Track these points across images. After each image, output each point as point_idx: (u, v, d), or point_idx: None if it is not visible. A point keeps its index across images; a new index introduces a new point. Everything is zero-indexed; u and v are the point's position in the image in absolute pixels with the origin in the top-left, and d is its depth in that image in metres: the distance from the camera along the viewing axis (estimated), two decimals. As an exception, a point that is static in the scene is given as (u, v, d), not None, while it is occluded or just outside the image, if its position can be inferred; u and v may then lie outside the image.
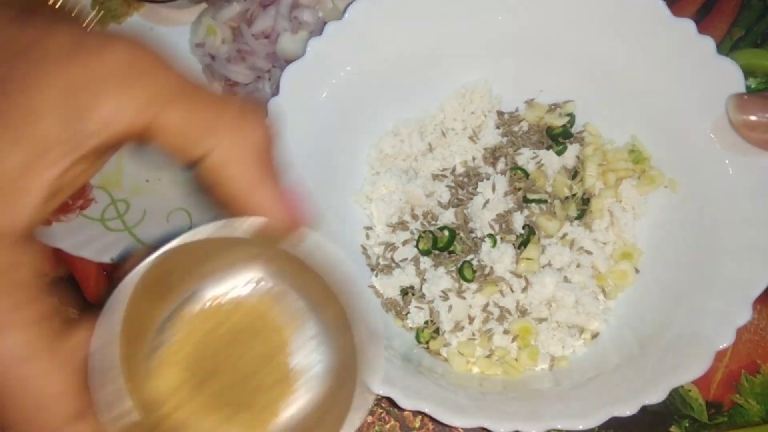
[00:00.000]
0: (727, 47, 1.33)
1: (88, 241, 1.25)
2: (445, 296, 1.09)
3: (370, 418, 1.19)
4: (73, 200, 1.28)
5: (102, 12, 1.38)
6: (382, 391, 0.94)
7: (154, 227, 1.27)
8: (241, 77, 1.29)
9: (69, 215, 1.27)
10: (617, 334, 1.10)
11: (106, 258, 1.23)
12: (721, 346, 0.96)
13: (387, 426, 1.18)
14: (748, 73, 1.30)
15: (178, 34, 1.37)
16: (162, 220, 1.27)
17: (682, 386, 1.17)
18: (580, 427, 0.94)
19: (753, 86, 1.30)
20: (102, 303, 0.69)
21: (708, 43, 1.05)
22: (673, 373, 0.96)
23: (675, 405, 1.17)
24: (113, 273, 1.23)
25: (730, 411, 1.18)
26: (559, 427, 0.93)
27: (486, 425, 0.93)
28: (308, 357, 0.72)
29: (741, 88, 1.03)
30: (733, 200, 1.03)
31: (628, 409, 0.94)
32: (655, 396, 0.94)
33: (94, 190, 1.30)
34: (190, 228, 0.68)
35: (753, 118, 1.00)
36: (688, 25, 1.06)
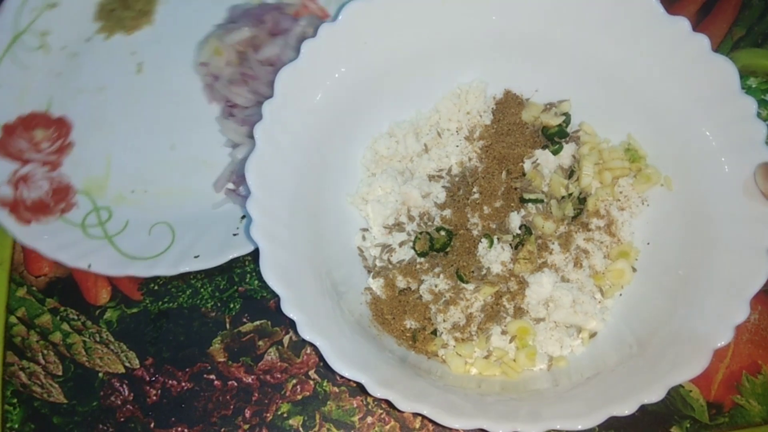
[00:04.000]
0: (727, 47, 1.33)
1: (65, 245, 1.26)
2: (442, 297, 1.10)
3: (370, 419, 1.19)
4: (55, 202, 1.29)
5: (111, 22, 1.40)
6: (380, 394, 0.94)
7: (135, 238, 1.27)
8: (242, 100, 1.30)
9: (49, 217, 1.28)
10: (615, 333, 1.10)
11: (83, 264, 1.24)
12: (719, 345, 0.96)
13: (387, 427, 1.19)
14: (749, 72, 1.31)
15: (183, 50, 1.40)
16: (144, 232, 1.28)
17: (682, 387, 1.18)
18: (579, 427, 0.93)
19: (754, 86, 1.31)
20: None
21: (702, 41, 1.05)
22: (672, 371, 0.95)
23: (676, 405, 1.17)
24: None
25: (731, 411, 1.18)
26: (558, 427, 0.93)
27: (485, 426, 0.93)
28: None
29: (736, 85, 1.03)
30: (729, 197, 1.03)
31: (627, 409, 0.94)
32: (654, 395, 0.94)
33: (77, 195, 1.31)
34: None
35: None
36: (682, 23, 1.05)
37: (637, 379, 0.98)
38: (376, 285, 1.13)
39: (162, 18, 1.44)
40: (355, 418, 1.19)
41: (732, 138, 1.04)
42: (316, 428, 1.19)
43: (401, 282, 1.12)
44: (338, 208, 1.17)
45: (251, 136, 1.23)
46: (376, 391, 0.94)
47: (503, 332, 1.09)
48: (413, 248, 1.13)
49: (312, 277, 1.04)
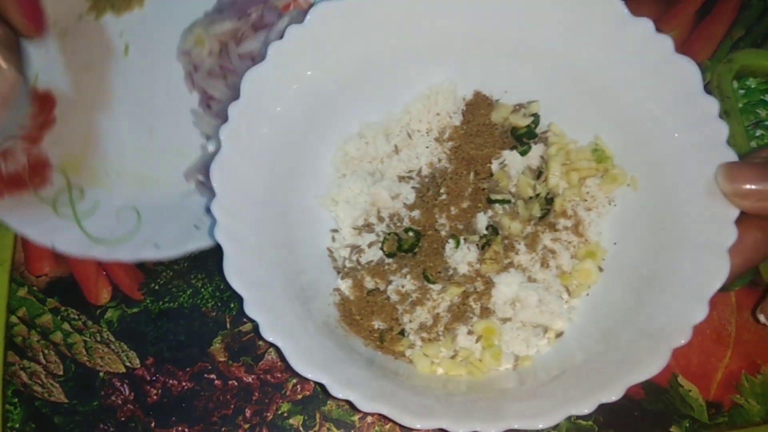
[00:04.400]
0: (727, 47, 1.33)
1: (34, 220, 1.27)
2: (409, 298, 1.10)
3: (370, 419, 1.20)
4: (30, 177, 1.30)
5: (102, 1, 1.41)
6: (342, 395, 0.95)
7: (102, 221, 1.29)
8: (218, 93, 1.31)
9: (23, 191, 1.29)
10: (581, 332, 1.10)
11: (47, 241, 1.25)
12: (677, 344, 0.96)
13: (387, 426, 1.20)
14: (748, 72, 1.30)
15: (169, 36, 1.40)
16: (111, 216, 1.29)
17: (681, 386, 1.19)
18: (540, 426, 0.94)
19: (753, 86, 1.30)
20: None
21: (666, 42, 1.04)
22: (630, 371, 0.96)
23: (675, 405, 1.17)
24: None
25: (730, 411, 1.18)
26: (516, 426, 0.93)
27: (444, 426, 0.94)
28: None
29: (698, 85, 1.03)
30: (692, 197, 1.03)
31: (585, 408, 0.94)
32: (613, 394, 0.94)
33: (53, 172, 1.32)
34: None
35: (746, 186, 0.98)
36: (646, 24, 1.05)
37: (597, 379, 0.98)
38: (345, 286, 1.13)
39: (153, 1, 1.43)
40: (355, 418, 1.21)
41: (695, 138, 1.04)
42: (316, 428, 1.20)
43: (369, 283, 1.13)
44: (307, 209, 1.17)
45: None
46: (338, 392, 0.95)
47: (470, 332, 1.09)
48: (381, 249, 1.14)
49: (279, 279, 1.05)
